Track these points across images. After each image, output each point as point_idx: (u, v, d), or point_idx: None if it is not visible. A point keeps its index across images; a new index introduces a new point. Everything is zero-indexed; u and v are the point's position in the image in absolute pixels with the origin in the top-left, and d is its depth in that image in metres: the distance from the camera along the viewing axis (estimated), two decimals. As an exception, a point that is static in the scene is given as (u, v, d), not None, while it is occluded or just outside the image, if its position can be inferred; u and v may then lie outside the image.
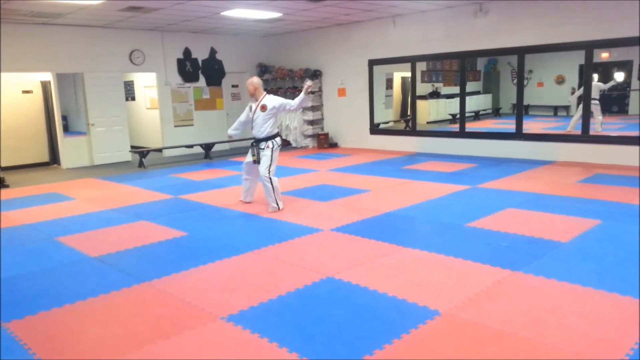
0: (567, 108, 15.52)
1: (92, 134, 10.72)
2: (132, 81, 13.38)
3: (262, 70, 13.10)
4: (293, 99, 6.08)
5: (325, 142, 12.02)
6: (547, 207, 5.63)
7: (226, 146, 12.71)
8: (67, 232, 5.37)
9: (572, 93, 12.88)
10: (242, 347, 2.81)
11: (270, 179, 5.86)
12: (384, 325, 3.00)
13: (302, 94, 5.81)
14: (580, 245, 4.35)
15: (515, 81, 9.94)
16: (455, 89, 13.35)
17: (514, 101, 9.83)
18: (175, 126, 11.98)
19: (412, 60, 10.66)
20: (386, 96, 13.30)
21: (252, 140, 6.08)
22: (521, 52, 9.12)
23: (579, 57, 9.18)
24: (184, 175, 8.98)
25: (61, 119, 10.46)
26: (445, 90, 16.11)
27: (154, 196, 7.21)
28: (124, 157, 11.19)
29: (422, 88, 14.92)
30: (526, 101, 10.91)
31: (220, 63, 12.54)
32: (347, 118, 12.00)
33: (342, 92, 12.02)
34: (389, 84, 13.67)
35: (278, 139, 6.05)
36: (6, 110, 10.30)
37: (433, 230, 5.06)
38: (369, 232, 4.95)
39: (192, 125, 12.26)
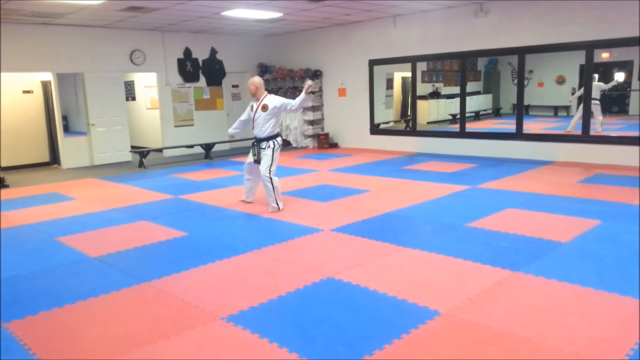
0: (567, 108, 15.52)
1: (93, 134, 10.72)
2: (133, 81, 13.39)
3: (263, 70, 13.10)
4: (293, 99, 6.08)
5: (325, 142, 12.02)
6: (547, 207, 5.63)
7: (226, 146, 12.72)
8: (68, 232, 5.38)
9: (573, 93, 12.89)
10: (242, 348, 2.81)
11: (270, 178, 5.87)
12: (384, 325, 3.00)
13: (302, 94, 5.80)
14: (581, 245, 4.35)
15: (515, 81, 9.94)
16: (456, 89, 13.36)
17: (515, 101, 9.83)
18: (175, 126, 11.99)
19: (413, 60, 10.66)
20: (386, 96, 13.30)
21: (253, 140, 6.09)
22: (521, 52, 9.12)
23: (579, 57, 9.18)
24: (184, 175, 8.99)
25: (61, 119, 10.47)
26: (445, 90, 16.11)
27: (154, 196, 7.21)
28: (124, 157, 11.19)
29: (423, 88, 14.92)
30: (526, 101, 10.90)
31: (220, 63, 12.54)
32: (347, 118, 12.00)
33: (342, 92, 12.02)
34: (389, 84, 13.67)
35: (279, 139, 6.05)
36: (6, 110, 10.30)
37: (433, 230, 5.06)
38: (369, 232, 4.95)
39: (193, 125, 12.26)
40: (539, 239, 4.52)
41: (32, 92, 10.74)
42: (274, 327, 3.01)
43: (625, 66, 14.56)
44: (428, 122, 14.97)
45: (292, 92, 12.20)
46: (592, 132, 8.85)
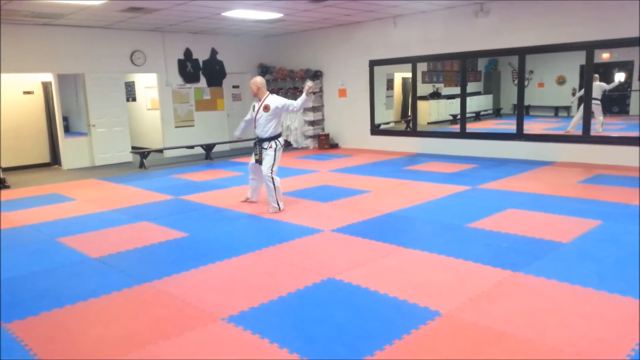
0: (567, 109, 15.51)
1: (93, 134, 10.73)
2: (133, 82, 13.39)
3: (263, 70, 13.10)
4: (294, 99, 6.08)
5: (325, 143, 12.02)
6: (547, 208, 5.63)
7: (227, 147, 12.71)
8: (68, 232, 5.38)
9: (573, 94, 12.88)
10: (242, 348, 2.81)
11: (272, 178, 5.87)
12: (384, 325, 3.00)
13: (303, 95, 5.80)
14: (581, 245, 4.34)
15: (516, 82, 9.94)
16: (456, 90, 13.36)
17: (515, 102, 9.82)
18: (176, 127, 11.99)
19: (413, 60, 10.67)
20: (387, 97, 13.30)
21: (255, 140, 6.09)
22: (522, 53, 9.12)
23: (579, 58, 9.17)
24: (185, 176, 8.99)
25: (62, 119, 10.47)
26: (446, 90, 16.11)
27: (155, 197, 7.22)
28: (125, 158, 11.20)
29: (423, 88, 14.93)
30: (527, 102, 10.89)
31: (221, 64, 12.55)
32: (347, 119, 12.00)
33: (342, 92, 12.02)
34: (390, 84, 13.67)
35: (281, 139, 6.06)
36: (7, 111, 10.31)
37: (434, 230, 5.06)
38: (370, 232, 4.95)
39: (193, 126, 12.26)
40: (539, 240, 4.52)
41: (33, 93, 10.75)
42: (274, 328, 3.01)
43: (626, 66, 14.56)
44: (428, 123, 14.97)
45: (293, 93, 12.21)
46: (592, 133, 8.85)
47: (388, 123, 13.17)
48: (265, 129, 5.94)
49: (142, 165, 10.24)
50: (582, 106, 9.10)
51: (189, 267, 4.13)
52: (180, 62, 11.89)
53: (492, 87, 17.79)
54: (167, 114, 11.84)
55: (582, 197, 6.16)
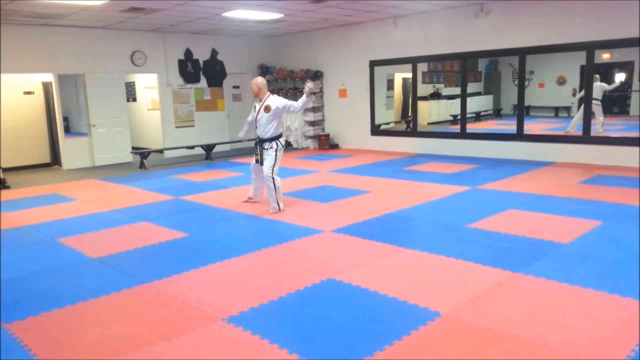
0: (568, 109, 15.51)
1: (93, 135, 10.73)
2: (134, 82, 13.40)
3: (263, 71, 13.10)
4: (294, 99, 6.09)
5: (326, 143, 12.02)
6: (548, 208, 5.62)
7: (227, 147, 12.71)
8: (68, 233, 5.38)
9: (574, 95, 12.88)
10: (242, 349, 2.81)
11: (273, 178, 5.87)
12: (384, 326, 3.00)
13: (304, 97, 5.81)
14: (581, 246, 4.34)
15: (516, 82, 9.94)
16: (456, 90, 13.35)
17: (515, 102, 9.82)
18: (176, 127, 11.99)
19: (413, 61, 10.67)
20: (387, 97, 13.29)
21: (256, 140, 6.09)
22: (522, 53, 9.12)
23: (580, 58, 9.17)
24: (185, 176, 8.99)
25: (62, 120, 10.48)
26: (446, 91, 16.11)
27: (155, 197, 7.22)
28: (125, 158, 11.20)
29: (423, 89, 14.92)
30: (527, 102, 10.89)
31: (221, 64, 12.55)
32: (348, 119, 12.00)
33: (343, 93, 12.02)
34: (390, 84, 13.67)
35: (282, 140, 6.06)
36: (7, 111, 10.32)
37: (434, 231, 5.06)
38: (370, 233, 4.95)
39: (193, 126, 12.26)
40: (539, 240, 4.52)
41: (33, 93, 10.75)
42: (274, 328, 3.01)
43: (626, 67, 14.56)
44: (429, 123, 14.97)
45: (293, 93, 12.21)
46: (592, 133, 8.85)
47: (388, 123, 13.17)
48: (266, 130, 5.95)
49: (142, 165, 10.24)
50: (582, 106, 9.10)
51: (189, 267, 4.14)
52: (180, 62, 11.89)
53: (492, 87, 17.79)
54: (168, 114, 11.84)
55: (582, 197, 6.15)
